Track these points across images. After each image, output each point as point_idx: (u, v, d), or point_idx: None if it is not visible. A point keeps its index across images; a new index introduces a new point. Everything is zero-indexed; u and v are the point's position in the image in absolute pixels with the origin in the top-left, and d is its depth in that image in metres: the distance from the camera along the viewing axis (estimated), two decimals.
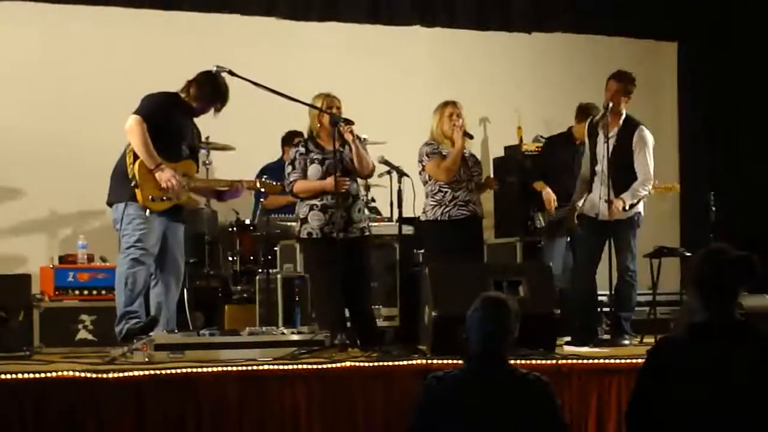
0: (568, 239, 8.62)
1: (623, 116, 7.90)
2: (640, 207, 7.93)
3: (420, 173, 7.92)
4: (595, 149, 7.93)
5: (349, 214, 7.56)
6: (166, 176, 6.94)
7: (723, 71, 10.99)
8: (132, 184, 6.95)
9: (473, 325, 4.45)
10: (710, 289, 4.11)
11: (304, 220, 7.59)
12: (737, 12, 10.83)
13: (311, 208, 7.52)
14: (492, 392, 4.35)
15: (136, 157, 6.97)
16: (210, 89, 7.13)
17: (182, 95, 7.17)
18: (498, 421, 4.30)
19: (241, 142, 8.87)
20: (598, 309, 8.14)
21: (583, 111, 8.89)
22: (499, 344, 4.44)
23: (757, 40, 10.80)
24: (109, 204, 7.15)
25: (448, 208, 7.83)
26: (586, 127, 8.13)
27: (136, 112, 6.97)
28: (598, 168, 7.86)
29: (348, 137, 7.47)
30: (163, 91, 7.16)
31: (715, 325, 4.09)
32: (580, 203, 8.06)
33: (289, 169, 7.65)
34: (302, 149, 7.56)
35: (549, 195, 8.70)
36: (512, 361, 4.57)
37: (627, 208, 7.77)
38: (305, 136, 7.73)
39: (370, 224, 7.91)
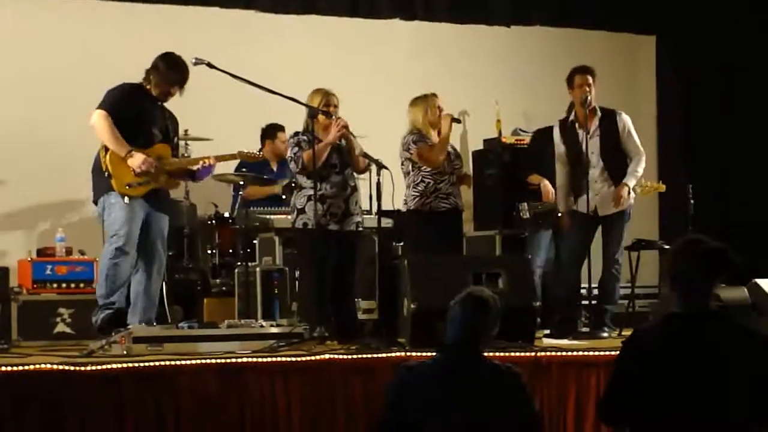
0: (552, 232, 8.58)
1: (596, 109, 7.92)
2: (631, 199, 7.95)
3: (402, 164, 7.90)
4: (576, 149, 7.89)
5: (347, 206, 7.54)
6: (137, 162, 6.95)
7: (701, 65, 11.01)
8: (106, 176, 6.96)
9: (453, 318, 4.46)
10: (686, 280, 4.13)
11: (301, 210, 7.48)
12: (715, 6, 10.85)
13: (309, 199, 7.42)
14: (464, 382, 4.36)
15: (107, 149, 6.99)
16: (167, 70, 7.11)
17: (145, 85, 7.17)
18: (469, 411, 4.31)
19: (220, 135, 8.83)
20: (579, 302, 8.16)
21: None
22: (476, 339, 4.45)
23: (734, 35, 10.83)
24: (95, 202, 7.16)
25: (429, 200, 7.84)
26: (560, 129, 8.07)
27: (100, 107, 6.99)
28: (593, 165, 7.82)
29: (333, 130, 7.39)
30: (125, 83, 7.16)
31: (690, 316, 4.11)
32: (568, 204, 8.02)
33: (296, 150, 7.49)
34: (303, 136, 7.45)
35: (547, 187, 8.48)
36: (490, 353, 4.58)
37: (632, 191, 7.84)
38: (301, 129, 7.57)
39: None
